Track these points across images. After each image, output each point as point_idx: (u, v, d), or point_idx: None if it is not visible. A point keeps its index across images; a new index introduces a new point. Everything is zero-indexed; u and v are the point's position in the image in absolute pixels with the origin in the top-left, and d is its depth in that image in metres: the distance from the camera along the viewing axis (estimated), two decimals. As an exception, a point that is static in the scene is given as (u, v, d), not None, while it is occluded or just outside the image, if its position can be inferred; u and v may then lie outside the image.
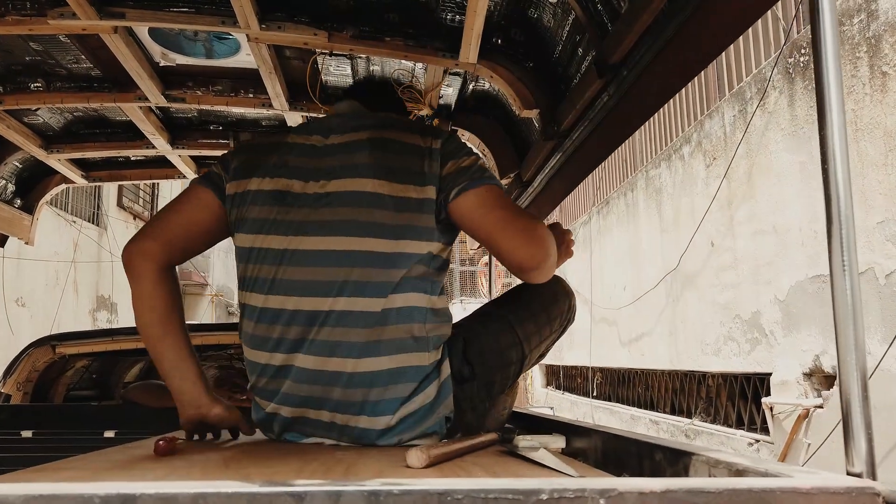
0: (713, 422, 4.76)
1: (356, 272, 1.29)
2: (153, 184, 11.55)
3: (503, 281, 9.73)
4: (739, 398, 4.45)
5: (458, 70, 2.03)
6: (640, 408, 6.21)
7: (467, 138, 2.45)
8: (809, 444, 3.49)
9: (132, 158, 2.91)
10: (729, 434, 4.40)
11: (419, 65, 2.07)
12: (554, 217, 8.44)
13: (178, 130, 2.63)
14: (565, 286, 1.68)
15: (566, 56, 1.77)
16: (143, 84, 2.11)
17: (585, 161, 1.89)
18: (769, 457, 3.81)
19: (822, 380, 3.59)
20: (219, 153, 2.54)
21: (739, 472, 0.75)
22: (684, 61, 1.28)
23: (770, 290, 3.96)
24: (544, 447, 1.20)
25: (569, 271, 7.96)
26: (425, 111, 2.22)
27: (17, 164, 2.78)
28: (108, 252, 9.89)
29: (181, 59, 2.11)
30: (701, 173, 4.95)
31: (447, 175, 1.36)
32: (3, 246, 3.03)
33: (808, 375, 3.63)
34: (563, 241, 1.53)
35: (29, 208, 2.97)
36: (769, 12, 3.93)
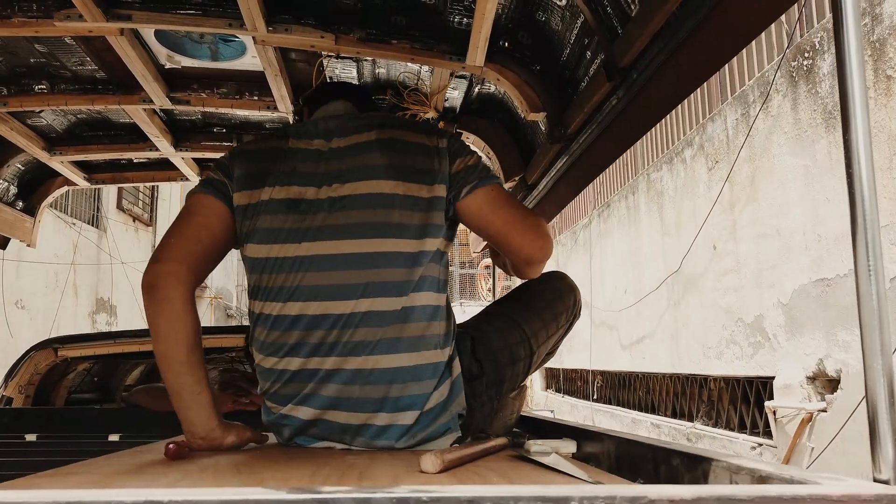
0: (715, 425, 4.75)
1: (378, 273, 1.30)
2: (153, 186, 11.53)
3: (503, 284, 9.73)
4: (742, 402, 4.45)
5: (464, 73, 2.02)
6: (641, 411, 6.20)
7: (472, 141, 2.45)
8: (813, 448, 3.49)
9: (135, 161, 2.90)
10: (731, 438, 4.39)
11: (425, 67, 2.07)
12: (554, 220, 8.43)
13: (181, 133, 2.62)
14: (569, 281, 1.69)
15: (574, 59, 1.77)
16: (148, 86, 2.10)
17: (592, 165, 1.88)
18: (773, 460, 3.80)
19: (826, 383, 3.58)
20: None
21: (763, 479, 0.74)
22: (696, 65, 1.27)
23: (773, 294, 3.96)
24: (555, 452, 1.19)
25: (569, 274, 7.95)
26: (431, 114, 2.22)
27: (19, 165, 2.77)
28: (108, 254, 9.87)
29: (186, 62, 2.10)
30: (703, 176, 4.95)
31: (456, 173, 1.40)
32: (4, 248, 3.02)
33: (812, 379, 3.63)
34: None
35: (31, 210, 2.96)
36: (772, 16, 3.93)
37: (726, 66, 4.75)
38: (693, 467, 0.89)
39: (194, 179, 2.91)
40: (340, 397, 1.29)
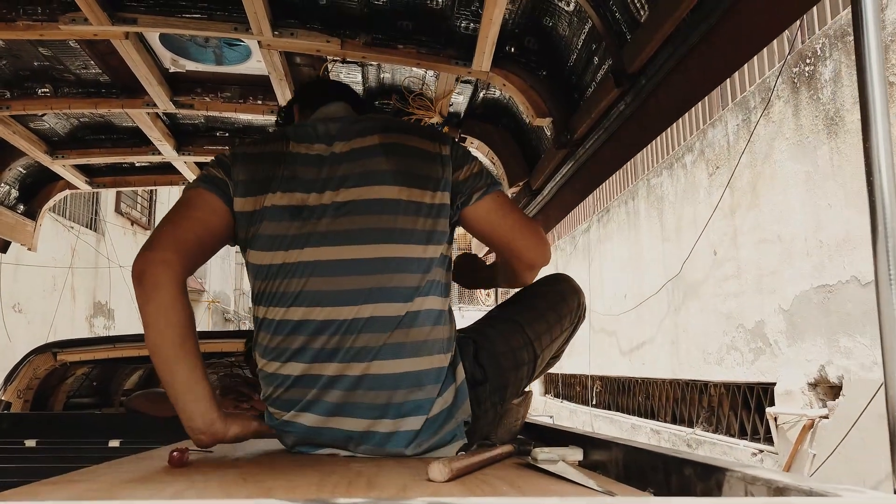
0: (715, 431, 4.74)
1: (382, 279, 1.29)
2: (151, 190, 11.52)
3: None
4: (742, 408, 4.44)
5: (469, 78, 2.02)
6: (641, 417, 6.19)
7: (476, 146, 2.44)
8: (815, 455, 3.48)
9: (136, 164, 2.89)
10: (732, 444, 4.38)
11: (430, 72, 2.06)
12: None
13: (184, 137, 2.62)
14: (573, 284, 1.68)
15: (581, 64, 1.76)
16: (152, 90, 2.09)
17: (598, 171, 1.88)
18: (774, 467, 3.79)
19: (828, 390, 3.57)
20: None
21: (780, 490, 0.73)
22: (706, 71, 1.27)
23: (774, 300, 3.95)
24: (562, 460, 1.18)
25: (569, 279, 7.94)
26: (436, 119, 2.22)
27: (21, 169, 2.76)
28: (106, 258, 9.85)
29: (191, 66, 2.10)
30: (704, 182, 4.95)
31: (464, 180, 1.40)
32: (5, 252, 3.01)
33: (814, 385, 3.62)
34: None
35: (32, 214, 2.95)
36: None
37: (727, 72, 4.76)
38: (706, 477, 0.88)
39: (196, 184, 2.89)
40: (344, 403, 1.28)
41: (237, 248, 1.40)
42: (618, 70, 1.50)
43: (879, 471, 3.01)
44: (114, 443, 1.82)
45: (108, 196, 10.12)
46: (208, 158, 2.67)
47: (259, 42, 1.82)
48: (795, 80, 3.80)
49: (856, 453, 3.18)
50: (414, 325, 1.30)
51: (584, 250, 8.06)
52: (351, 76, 2.12)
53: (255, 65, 2.06)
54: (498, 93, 2.22)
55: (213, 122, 2.56)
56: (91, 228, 9.75)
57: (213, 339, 3.07)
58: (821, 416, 3.50)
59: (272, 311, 1.31)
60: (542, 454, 1.20)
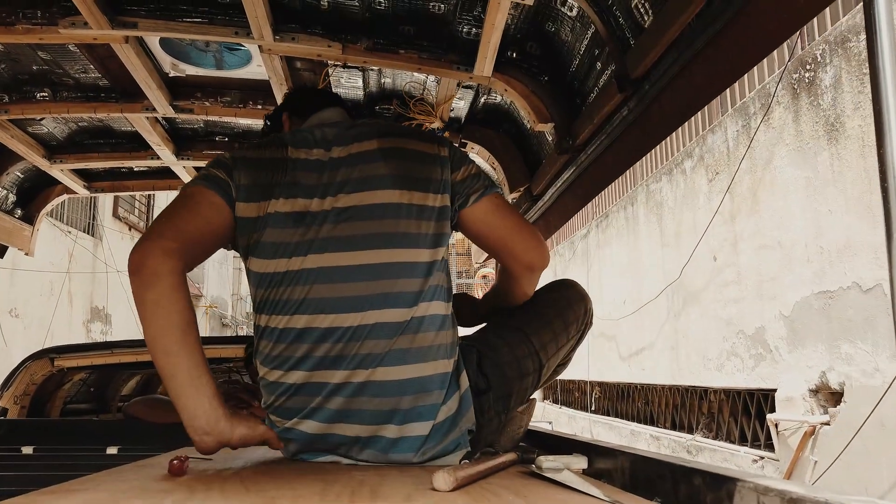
0: (715, 438, 4.72)
1: (386, 284, 1.28)
2: (149, 195, 11.50)
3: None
4: (742, 414, 4.43)
5: (471, 83, 2.01)
6: (640, 423, 6.17)
7: (477, 151, 2.44)
8: (816, 462, 3.47)
9: (135, 169, 2.88)
10: (733, 450, 4.37)
11: (431, 77, 2.06)
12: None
13: (183, 141, 2.61)
14: (580, 290, 1.65)
15: (584, 70, 1.76)
16: (152, 94, 2.08)
17: (600, 176, 1.87)
18: (775, 474, 3.77)
19: (829, 396, 3.56)
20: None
21: (794, 501, 0.71)
22: (711, 77, 1.26)
23: (775, 306, 3.95)
24: (567, 468, 1.17)
25: (567, 285, 7.93)
26: (436, 124, 2.21)
27: (18, 173, 2.75)
28: (104, 263, 9.82)
29: (191, 70, 2.09)
30: (703, 188, 4.95)
31: (461, 181, 1.39)
32: (2, 256, 2.99)
33: (815, 392, 3.61)
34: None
35: (29, 219, 2.94)
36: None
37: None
38: (716, 487, 0.86)
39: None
40: (348, 410, 1.27)
41: (234, 252, 1.38)
42: (621, 75, 1.50)
43: (882, 478, 3.00)
44: (111, 450, 1.80)
45: (105, 201, 10.10)
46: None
47: (260, 46, 1.81)
48: (795, 86, 3.80)
49: (857, 460, 3.17)
50: (419, 330, 1.29)
51: (582, 256, 8.06)
52: (352, 81, 2.11)
53: (256, 69, 2.05)
54: (499, 98, 2.21)
55: (212, 127, 2.55)
56: (89, 233, 9.72)
57: (212, 345, 3.05)
58: (822, 423, 3.49)
59: (275, 320, 1.29)
60: (547, 462, 1.18)
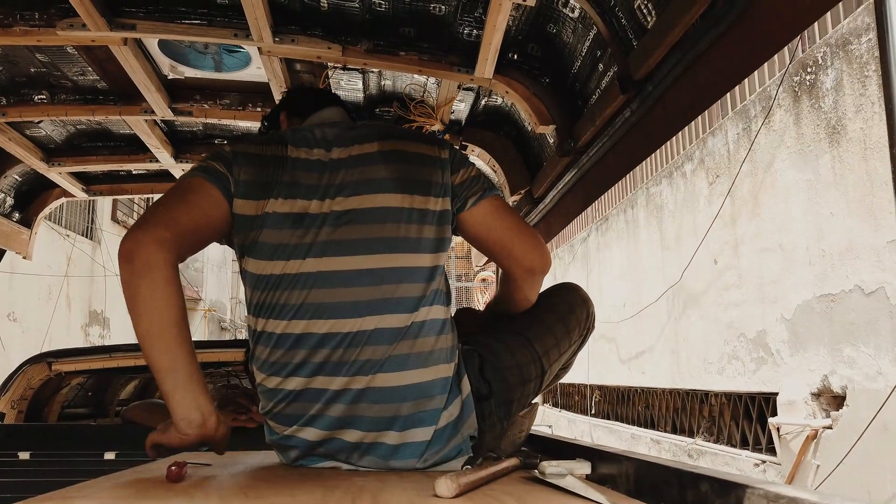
0: (717, 441, 4.71)
1: (387, 289, 1.26)
2: (148, 198, 11.49)
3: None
4: (744, 418, 4.41)
5: (472, 85, 2.00)
6: (641, 427, 6.15)
7: (477, 154, 2.42)
8: (819, 466, 3.45)
9: (134, 172, 2.87)
10: (734, 454, 4.35)
11: (431, 79, 2.05)
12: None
13: (182, 144, 2.59)
14: (582, 293, 1.63)
15: (585, 71, 1.75)
16: (151, 97, 2.07)
17: (602, 178, 1.86)
18: (777, 478, 3.76)
19: (831, 400, 3.55)
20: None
21: (805, 509, 0.70)
22: (715, 78, 1.25)
23: (776, 309, 3.93)
24: (570, 473, 1.16)
25: (567, 288, 7.92)
26: (437, 126, 2.19)
27: (16, 177, 2.73)
28: (102, 266, 9.80)
29: (190, 72, 2.08)
30: (704, 191, 4.94)
31: (461, 184, 1.37)
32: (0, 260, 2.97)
33: (817, 395, 3.60)
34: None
35: (27, 222, 2.92)
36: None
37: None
38: (725, 493, 0.85)
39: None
40: (349, 416, 1.25)
41: (233, 256, 1.36)
42: (623, 77, 1.48)
43: (885, 482, 2.98)
44: (109, 455, 1.79)
45: (104, 204, 10.09)
46: (207, 166, 2.64)
47: (259, 48, 1.79)
48: (796, 89, 3.79)
49: (860, 464, 3.15)
50: (419, 335, 1.27)
51: (582, 259, 8.05)
52: (352, 83, 2.10)
53: (255, 72, 2.04)
54: (500, 100, 2.20)
55: (211, 130, 2.54)
56: (87, 237, 9.71)
57: (211, 349, 3.03)
58: (824, 427, 3.47)
59: (272, 324, 1.26)
60: (550, 468, 1.17)
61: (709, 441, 4.78)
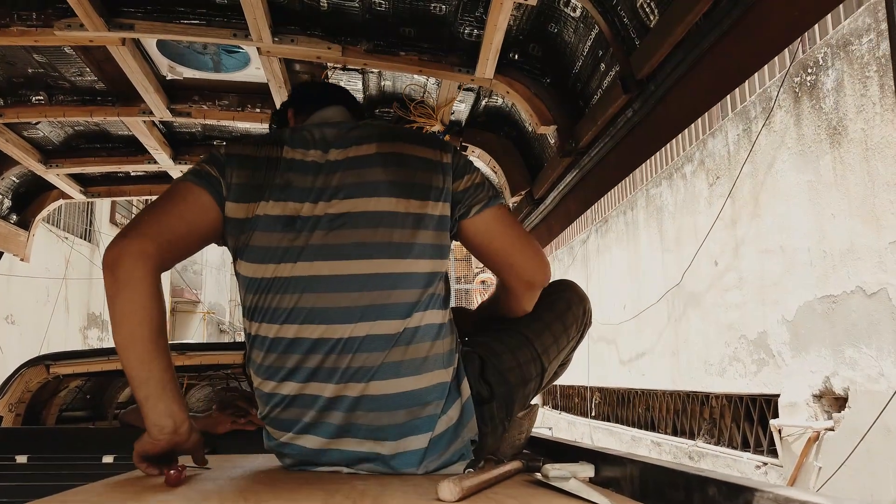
0: (717, 443, 4.69)
1: (379, 295, 1.24)
2: (146, 200, 11.47)
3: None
4: (745, 420, 4.40)
5: (472, 85, 1.99)
6: (641, 429, 6.14)
7: (478, 154, 2.41)
8: (821, 468, 3.44)
9: (132, 174, 2.85)
10: (735, 456, 4.34)
11: (432, 80, 2.03)
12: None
13: (180, 145, 2.58)
14: (578, 291, 1.62)
15: (587, 71, 1.73)
16: (149, 98, 2.06)
17: (603, 179, 1.84)
18: (778, 480, 3.75)
19: (833, 402, 3.54)
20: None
21: (816, 513, 0.69)
22: (718, 78, 1.24)
23: (777, 311, 3.92)
24: (574, 476, 1.14)
25: (567, 290, 7.91)
26: (437, 127, 2.18)
27: (14, 178, 2.72)
28: (100, 269, 9.78)
29: (188, 73, 2.06)
30: (704, 192, 4.94)
31: (464, 191, 1.34)
32: (-3, 263, 2.96)
33: (818, 397, 3.59)
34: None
35: (25, 224, 2.90)
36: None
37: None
38: (733, 497, 0.83)
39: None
40: (347, 425, 1.23)
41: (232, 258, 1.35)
42: (625, 76, 1.47)
43: (887, 484, 2.97)
44: (107, 458, 1.77)
45: (102, 206, 10.07)
46: (206, 167, 2.63)
47: (259, 49, 1.78)
48: (797, 90, 3.79)
49: (862, 466, 3.14)
50: (412, 341, 1.24)
51: (582, 261, 8.04)
52: (351, 84, 2.09)
53: (254, 72, 2.03)
54: (500, 100, 2.19)
55: (210, 131, 2.53)
56: (85, 239, 9.70)
57: (210, 351, 3.02)
58: (826, 429, 3.46)
59: (265, 328, 1.25)
60: (553, 471, 1.15)
61: (710, 443, 4.77)
